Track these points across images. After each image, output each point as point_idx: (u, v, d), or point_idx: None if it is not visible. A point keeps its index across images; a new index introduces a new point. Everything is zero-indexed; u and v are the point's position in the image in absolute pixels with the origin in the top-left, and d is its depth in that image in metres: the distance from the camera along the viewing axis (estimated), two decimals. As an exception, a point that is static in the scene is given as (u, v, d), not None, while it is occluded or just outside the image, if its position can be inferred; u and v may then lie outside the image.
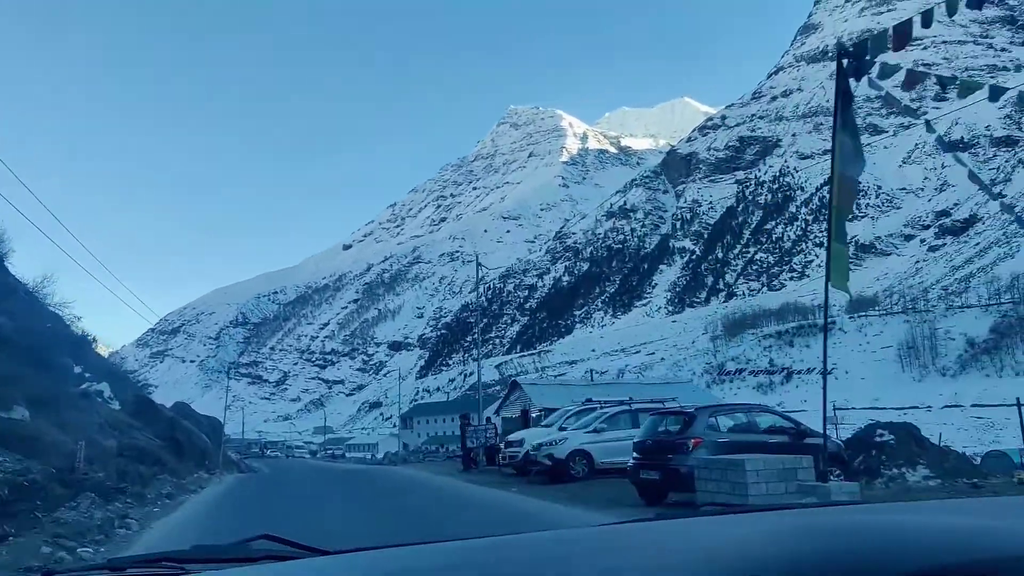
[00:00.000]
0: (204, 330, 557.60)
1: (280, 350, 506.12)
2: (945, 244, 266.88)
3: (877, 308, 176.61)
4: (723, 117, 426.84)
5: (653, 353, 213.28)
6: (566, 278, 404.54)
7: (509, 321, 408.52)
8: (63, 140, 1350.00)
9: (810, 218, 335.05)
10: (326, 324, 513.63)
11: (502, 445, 31.09)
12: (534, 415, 37.73)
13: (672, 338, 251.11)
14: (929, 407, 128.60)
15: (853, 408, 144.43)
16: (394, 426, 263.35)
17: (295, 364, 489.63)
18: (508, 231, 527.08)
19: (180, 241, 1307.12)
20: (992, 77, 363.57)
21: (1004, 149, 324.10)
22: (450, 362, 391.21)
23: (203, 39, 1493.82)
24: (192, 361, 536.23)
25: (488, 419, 45.33)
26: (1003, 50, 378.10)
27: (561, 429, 27.11)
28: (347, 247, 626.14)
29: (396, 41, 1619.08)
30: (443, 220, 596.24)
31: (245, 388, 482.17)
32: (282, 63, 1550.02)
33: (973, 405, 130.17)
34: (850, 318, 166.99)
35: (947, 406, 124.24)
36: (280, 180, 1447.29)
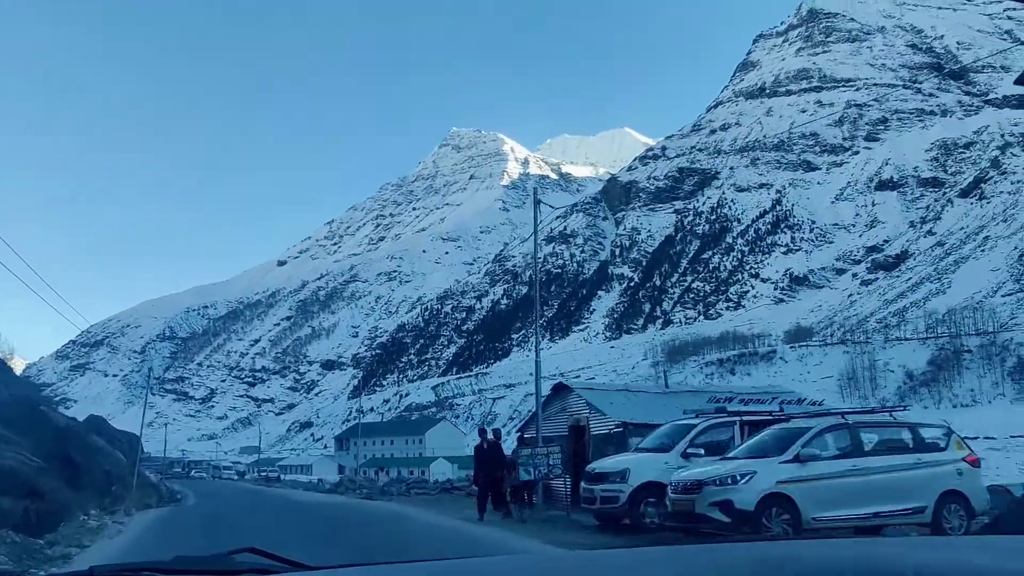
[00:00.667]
0: (129, 343, 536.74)
1: (208, 366, 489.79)
2: (878, 279, 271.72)
3: (816, 338, 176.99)
4: (663, 148, 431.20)
5: (593, 378, 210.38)
6: (504, 301, 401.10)
7: (446, 343, 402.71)
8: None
9: (746, 249, 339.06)
10: (257, 340, 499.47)
11: (585, 480, 20.52)
12: (608, 432, 27.47)
13: (611, 363, 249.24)
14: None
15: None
16: (325, 447, 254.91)
17: (223, 381, 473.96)
18: (447, 252, 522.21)
19: (108, 251, 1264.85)
20: (920, 120, 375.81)
21: (931, 189, 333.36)
22: (384, 383, 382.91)
23: (140, 45, 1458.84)
24: (115, 375, 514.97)
25: (520, 438, 34.96)
26: (930, 95, 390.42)
27: (686, 456, 18.47)
28: (282, 263, 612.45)
29: (340, 57, 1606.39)
30: (382, 239, 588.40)
31: (170, 405, 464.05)
32: (223, 72, 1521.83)
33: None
34: (791, 347, 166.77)
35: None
36: (215, 192, 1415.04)
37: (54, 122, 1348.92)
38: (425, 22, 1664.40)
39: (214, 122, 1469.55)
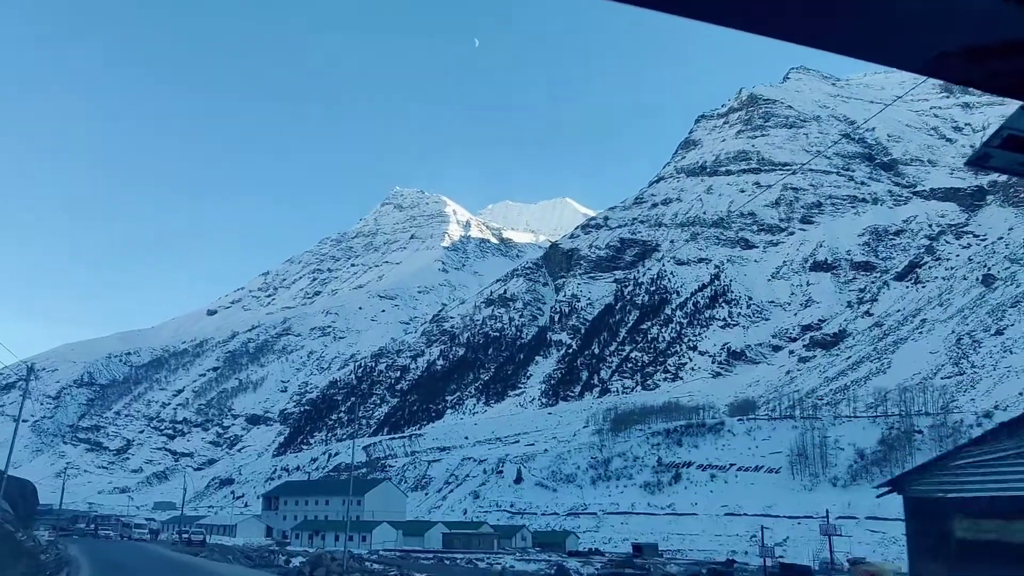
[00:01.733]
0: (43, 387, 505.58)
1: (126, 415, 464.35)
2: (815, 356, 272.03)
3: (765, 412, 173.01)
4: (606, 218, 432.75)
5: (533, 444, 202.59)
6: (440, 362, 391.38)
7: (378, 401, 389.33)
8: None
9: (684, 321, 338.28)
10: (180, 391, 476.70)
11: None
12: None
13: (550, 430, 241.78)
14: (824, 518, 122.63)
15: (745, 514, 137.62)
16: (246, 505, 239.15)
17: (141, 432, 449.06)
18: (384, 310, 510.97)
19: (24, 288, 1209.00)
20: (852, 207, 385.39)
21: (863, 273, 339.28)
22: (312, 441, 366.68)
23: (81, 74, 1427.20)
24: (24, 421, 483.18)
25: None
26: (863, 183, 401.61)
27: None
28: (212, 312, 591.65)
29: (287, 106, 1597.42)
30: (317, 293, 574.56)
31: (82, 455, 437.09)
32: (163, 106, 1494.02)
33: (868, 517, 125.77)
34: (738, 420, 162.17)
35: (841, 517, 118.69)
36: (145, 233, 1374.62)
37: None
38: (376, 81, 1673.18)
39: (155, 158, 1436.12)
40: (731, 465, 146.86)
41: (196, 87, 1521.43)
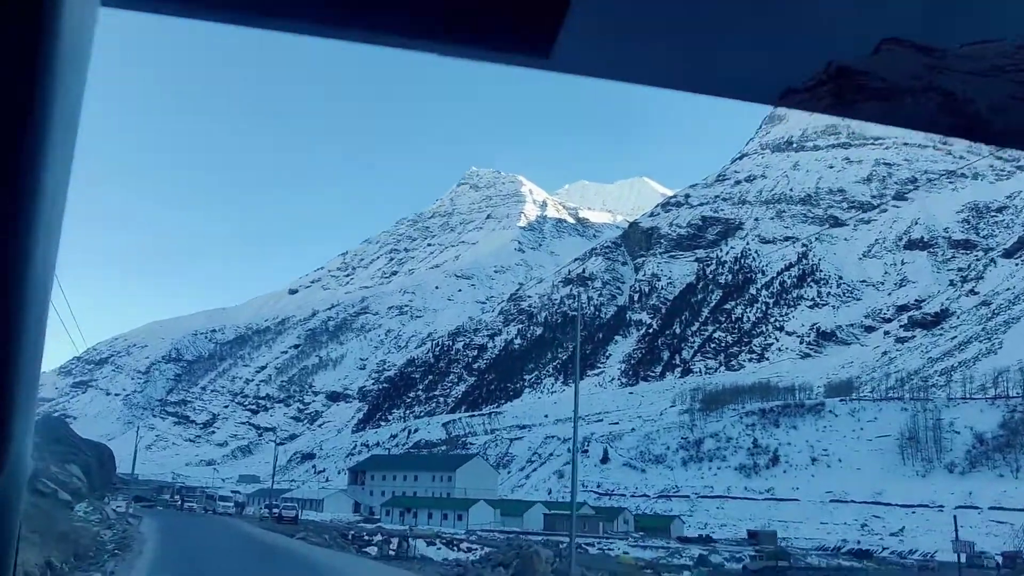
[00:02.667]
0: (134, 363, 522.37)
1: (212, 390, 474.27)
2: (915, 336, 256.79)
3: (870, 393, 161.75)
4: (687, 196, 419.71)
5: (617, 423, 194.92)
6: (518, 341, 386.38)
7: (456, 380, 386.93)
8: None
9: (770, 301, 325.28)
10: (263, 368, 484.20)
11: None
12: None
13: (632, 409, 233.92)
14: (941, 507, 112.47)
15: (852, 501, 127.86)
16: (327, 480, 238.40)
17: (226, 407, 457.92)
18: (460, 290, 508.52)
19: (119, 269, 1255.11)
20: (950, 182, 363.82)
21: (963, 251, 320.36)
22: (390, 417, 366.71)
23: (163, 66, 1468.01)
24: (117, 395, 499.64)
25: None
26: (961, 157, 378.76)
27: None
28: (293, 292, 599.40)
29: (362, 89, 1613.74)
30: (395, 273, 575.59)
31: (170, 428, 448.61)
32: (243, 96, 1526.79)
33: (992, 508, 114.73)
34: (840, 401, 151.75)
35: (961, 507, 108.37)
36: (231, 218, 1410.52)
37: (83, 147, 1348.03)
38: (452, 61, 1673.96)
39: (234, 148, 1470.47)
40: (834, 448, 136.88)
41: (271, 76, 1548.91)
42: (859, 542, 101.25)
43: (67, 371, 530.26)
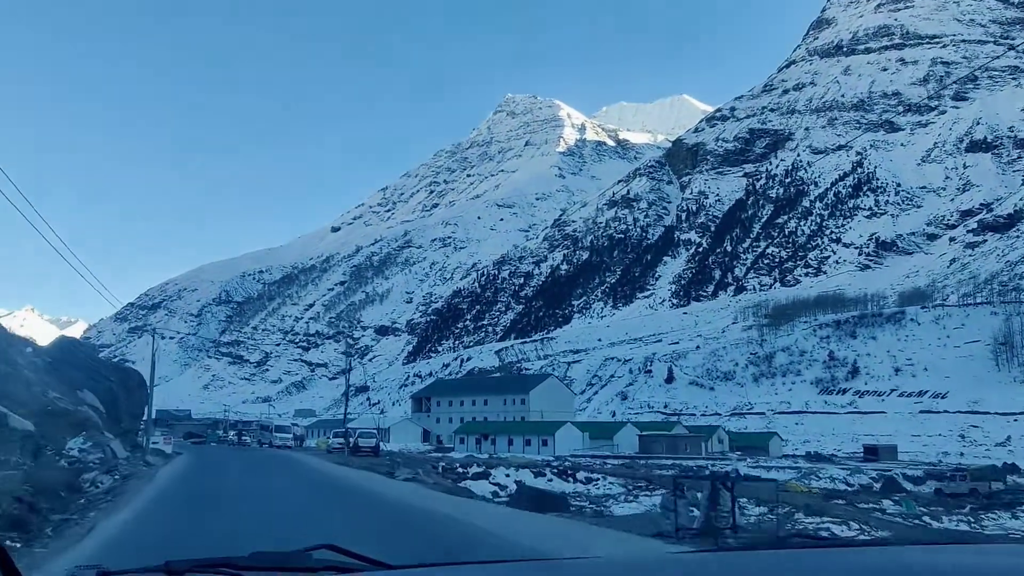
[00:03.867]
0: (186, 307, 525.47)
1: (263, 330, 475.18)
2: (986, 240, 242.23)
3: (956, 298, 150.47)
4: (732, 109, 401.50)
5: (678, 343, 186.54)
6: (564, 267, 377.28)
7: (503, 308, 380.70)
8: (39, 114, 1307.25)
9: (825, 213, 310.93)
10: (311, 305, 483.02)
11: None
12: None
13: (689, 329, 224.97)
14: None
15: (945, 411, 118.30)
16: (382, 412, 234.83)
17: (277, 345, 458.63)
18: (502, 219, 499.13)
19: (166, 217, 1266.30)
20: (1013, 78, 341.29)
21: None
22: (439, 348, 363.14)
23: (193, 19, 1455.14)
24: (171, 338, 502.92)
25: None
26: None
27: None
28: (336, 229, 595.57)
29: (392, 22, 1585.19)
30: (435, 206, 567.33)
31: (225, 368, 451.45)
32: (276, 40, 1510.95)
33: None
34: (922, 308, 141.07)
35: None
36: (269, 158, 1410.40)
37: (128, 97, 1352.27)
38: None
39: (266, 93, 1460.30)
40: (919, 358, 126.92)
41: (307, 8, 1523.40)
42: (962, 454, 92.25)
43: (123, 317, 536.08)
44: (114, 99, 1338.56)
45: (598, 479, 30.81)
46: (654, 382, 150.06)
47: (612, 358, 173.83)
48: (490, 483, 28.90)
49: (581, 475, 31.43)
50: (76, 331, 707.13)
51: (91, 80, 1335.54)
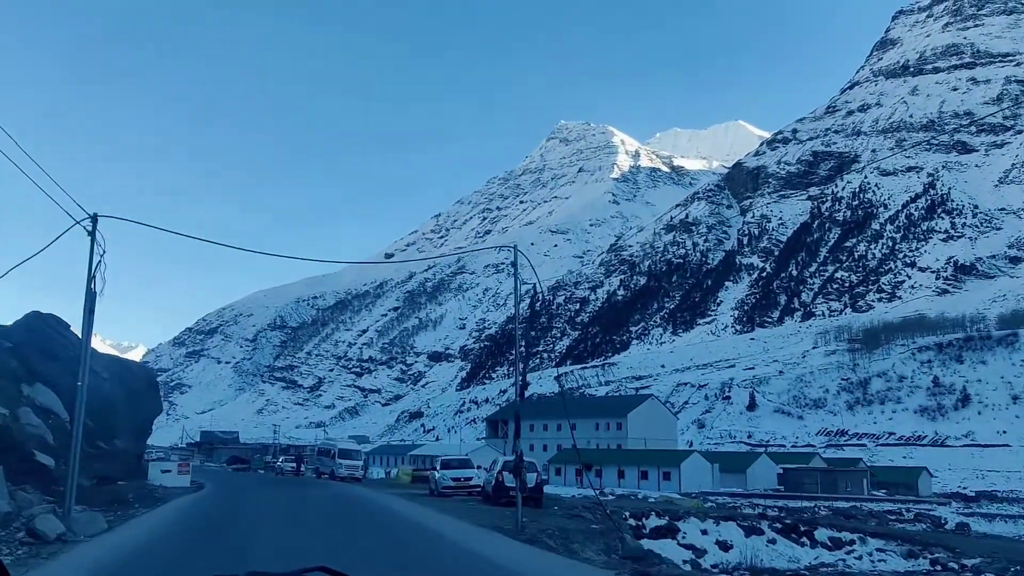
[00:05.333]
0: (242, 332, 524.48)
1: (316, 355, 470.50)
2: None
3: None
4: (794, 131, 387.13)
5: (753, 368, 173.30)
6: (621, 292, 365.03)
7: (558, 334, 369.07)
8: (102, 136, 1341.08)
9: (897, 236, 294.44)
10: (364, 331, 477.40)
11: None
12: None
13: (760, 354, 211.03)
14: None
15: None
16: (437, 439, 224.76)
17: (331, 370, 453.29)
18: (556, 245, 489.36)
19: (227, 240, 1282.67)
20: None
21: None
22: (493, 375, 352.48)
23: (257, 36, 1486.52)
24: (227, 362, 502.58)
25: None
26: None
27: None
28: (389, 255, 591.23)
29: (449, 51, 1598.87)
30: (488, 232, 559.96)
31: (279, 392, 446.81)
32: (333, 67, 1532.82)
33: None
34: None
35: None
36: (325, 187, 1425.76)
37: (181, 118, 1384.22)
38: (533, 14, 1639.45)
39: (323, 120, 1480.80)
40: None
41: (362, 41, 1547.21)
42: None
43: (180, 342, 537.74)
44: (174, 129, 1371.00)
45: (852, 541, 19.73)
46: (734, 409, 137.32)
47: (685, 383, 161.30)
48: (680, 544, 18.19)
49: (823, 534, 20.32)
50: (136, 355, 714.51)
51: (153, 108, 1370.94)
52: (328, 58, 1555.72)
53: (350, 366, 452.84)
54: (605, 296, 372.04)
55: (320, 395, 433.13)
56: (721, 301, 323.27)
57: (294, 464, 68.03)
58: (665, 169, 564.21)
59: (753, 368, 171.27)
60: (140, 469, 28.57)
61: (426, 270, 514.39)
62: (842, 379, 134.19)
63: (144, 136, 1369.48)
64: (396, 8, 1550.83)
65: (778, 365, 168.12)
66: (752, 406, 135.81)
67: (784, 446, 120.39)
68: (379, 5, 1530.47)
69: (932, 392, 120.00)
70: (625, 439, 76.55)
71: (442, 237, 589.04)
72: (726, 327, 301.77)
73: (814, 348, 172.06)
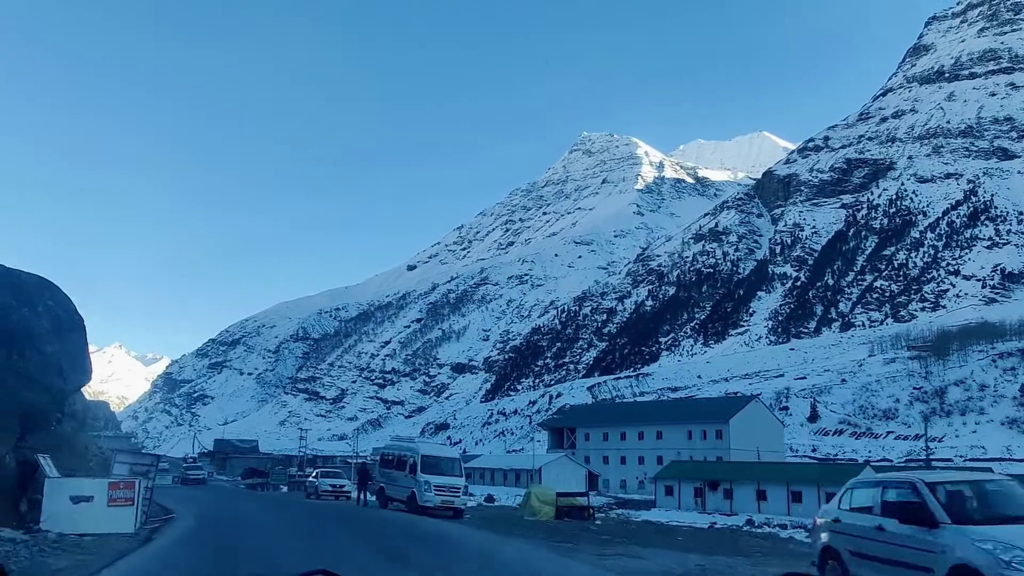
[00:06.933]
0: (264, 343, 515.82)
1: (339, 367, 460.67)
2: None
3: None
4: (826, 138, 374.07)
5: (803, 377, 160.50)
6: (649, 302, 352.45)
7: (585, 346, 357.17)
8: (120, 150, 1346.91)
9: (939, 244, 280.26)
10: (387, 342, 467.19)
11: None
12: None
13: (799, 365, 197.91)
14: None
15: None
16: (464, 451, 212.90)
17: (353, 382, 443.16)
18: (580, 256, 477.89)
19: (248, 253, 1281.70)
20: None
21: None
22: (518, 387, 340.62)
23: (283, 49, 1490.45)
24: (250, 374, 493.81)
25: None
26: None
27: None
28: (412, 267, 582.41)
29: (469, 62, 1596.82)
30: (511, 244, 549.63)
31: (301, 404, 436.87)
32: (357, 76, 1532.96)
33: None
34: None
35: None
36: (347, 199, 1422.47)
37: (198, 133, 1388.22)
38: (556, 26, 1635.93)
39: (344, 133, 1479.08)
40: None
41: (388, 42, 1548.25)
42: None
43: (203, 353, 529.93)
44: (199, 145, 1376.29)
45: None
46: (793, 421, 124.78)
47: (734, 393, 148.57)
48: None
49: None
50: (161, 367, 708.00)
51: (178, 125, 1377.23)
52: (347, 68, 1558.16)
53: (373, 377, 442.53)
54: (633, 307, 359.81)
55: (343, 407, 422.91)
56: (754, 311, 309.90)
57: (341, 483, 44.22)
58: (689, 180, 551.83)
59: (805, 377, 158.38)
60: (30, 496, 16.87)
61: (448, 281, 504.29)
62: (914, 388, 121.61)
63: (157, 146, 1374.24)
64: (417, 20, 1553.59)
65: (831, 375, 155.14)
66: (814, 417, 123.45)
67: (856, 461, 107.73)
68: (399, 17, 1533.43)
69: (1020, 402, 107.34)
70: (727, 450, 64.13)
71: (464, 248, 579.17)
72: (759, 338, 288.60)
73: (870, 356, 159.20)
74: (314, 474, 47.92)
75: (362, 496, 36.51)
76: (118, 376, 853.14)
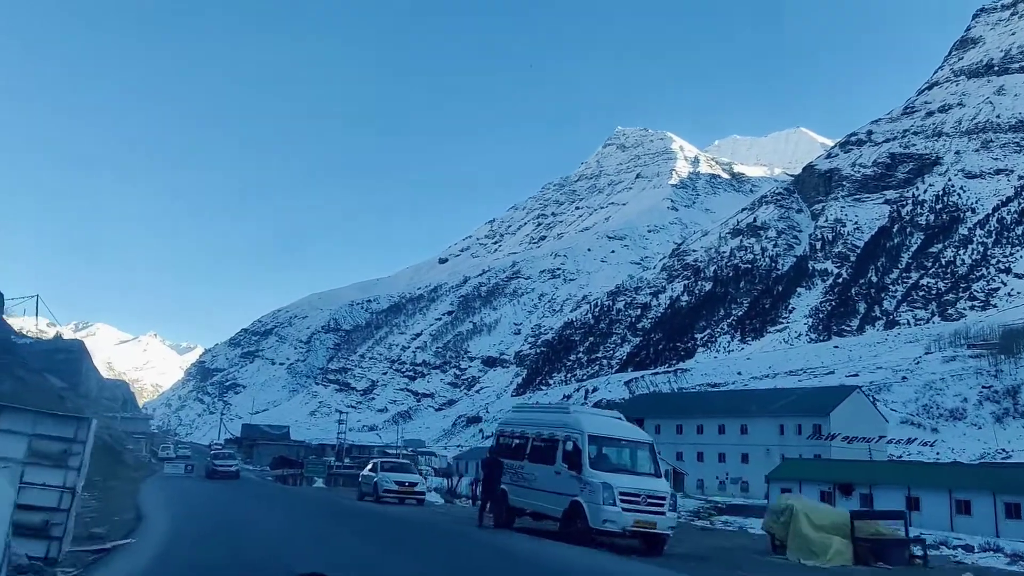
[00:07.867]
0: (296, 333, 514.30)
1: (370, 358, 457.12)
2: None
3: None
4: (869, 132, 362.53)
5: (855, 374, 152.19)
6: (685, 298, 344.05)
7: (619, 341, 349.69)
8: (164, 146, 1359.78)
9: (989, 241, 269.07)
10: (418, 335, 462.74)
11: None
12: None
13: (845, 364, 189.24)
14: None
15: None
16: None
17: (384, 373, 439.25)
18: (613, 251, 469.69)
19: (282, 245, 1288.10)
20: None
21: None
22: (550, 381, 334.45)
23: (314, 45, 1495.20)
24: (281, 364, 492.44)
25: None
26: None
27: None
28: (443, 260, 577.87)
29: (504, 55, 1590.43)
30: (543, 238, 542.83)
31: (332, 395, 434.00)
32: (389, 69, 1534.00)
33: None
34: None
35: None
36: (380, 191, 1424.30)
37: (235, 127, 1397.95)
38: (591, 21, 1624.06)
39: (377, 127, 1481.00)
40: None
41: (420, 36, 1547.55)
42: None
43: (236, 343, 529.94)
44: (238, 136, 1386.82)
45: None
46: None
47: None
48: None
49: None
50: (194, 356, 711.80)
51: (220, 110, 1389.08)
52: (383, 63, 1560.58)
53: (403, 370, 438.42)
54: (668, 302, 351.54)
55: (373, 398, 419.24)
56: (793, 308, 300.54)
57: (412, 480, 33.58)
58: (725, 176, 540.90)
59: (857, 375, 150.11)
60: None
61: (480, 274, 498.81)
62: (983, 387, 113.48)
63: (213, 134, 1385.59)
64: (454, 13, 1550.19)
65: (885, 372, 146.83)
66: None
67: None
68: (437, 9, 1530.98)
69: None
70: (827, 446, 57.59)
71: (496, 242, 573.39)
72: (799, 335, 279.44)
73: (927, 354, 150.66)
74: (370, 466, 37.13)
75: (486, 508, 20.91)
76: (153, 364, 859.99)
